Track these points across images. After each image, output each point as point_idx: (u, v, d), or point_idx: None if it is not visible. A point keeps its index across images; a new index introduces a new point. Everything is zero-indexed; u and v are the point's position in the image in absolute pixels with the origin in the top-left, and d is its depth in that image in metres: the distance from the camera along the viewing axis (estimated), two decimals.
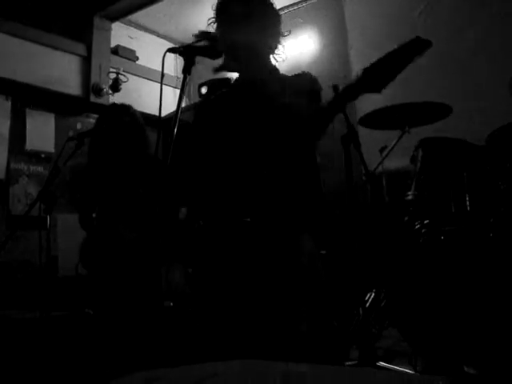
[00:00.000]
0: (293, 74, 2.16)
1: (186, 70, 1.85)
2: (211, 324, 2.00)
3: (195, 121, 2.23)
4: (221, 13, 2.13)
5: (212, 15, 2.16)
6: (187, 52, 1.88)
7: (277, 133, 1.92)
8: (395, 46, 1.77)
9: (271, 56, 2.17)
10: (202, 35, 1.97)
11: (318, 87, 2.11)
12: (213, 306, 2.01)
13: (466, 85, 4.48)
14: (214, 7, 2.15)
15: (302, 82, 2.07)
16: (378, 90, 1.80)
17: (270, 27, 2.12)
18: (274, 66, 2.19)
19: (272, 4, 2.16)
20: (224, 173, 2.02)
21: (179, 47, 1.88)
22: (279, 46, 2.17)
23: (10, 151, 4.94)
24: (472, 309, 2.56)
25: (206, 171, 2.11)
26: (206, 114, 2.22)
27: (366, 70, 1.79)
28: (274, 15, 2.16)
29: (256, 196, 1.92)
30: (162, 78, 1.80)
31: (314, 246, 2.03)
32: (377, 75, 1.77)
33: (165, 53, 1.84)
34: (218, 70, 2.07)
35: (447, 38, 4.69)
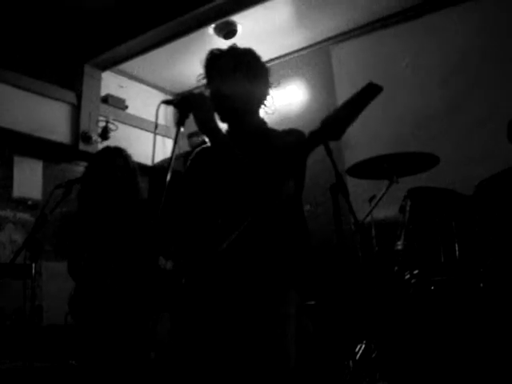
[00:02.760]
0: (282, 128, 2.18)
1: (180, 123, 1.86)
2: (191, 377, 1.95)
3: (186, 173, 2.23)
4: (210, 68, 2.16)
5: (200, 67, 2.19)
6: (181, 104, 1.89)
7: (264, 187, 1.93)
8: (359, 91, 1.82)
9: (260, 108, 2.19)
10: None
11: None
12: (193, 359, 1.97)
13: (453, 134, 4.55)
14: (204, 63, 2.18)
15: (291, 139, 2.09)
16: (336, 138, 1.85)
17: (259, 80, 2.16)
18: (263, 119, 2.21)
19: (259, 57, 2.21)
20: (210, 224, 2.01)
21: (173, 100, 1.90)
22: (268, 98, 2.20)
23: None
24: (464, 360, 2.53)
25: (194, 221, 2.09)
26: (196, 165, 2.21)
27: (323, 122, 1.84)
28: (261, 67, 2.20)
29: (242, 248, 1.91)
30: (155, 128, 1.81)
31: (300, 302, 2.02)
32: (334, 125, 1.83)
33: (159, 104, 1.85)
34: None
35: (434, 88, 4.80)
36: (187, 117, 1.87)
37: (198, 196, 2.10)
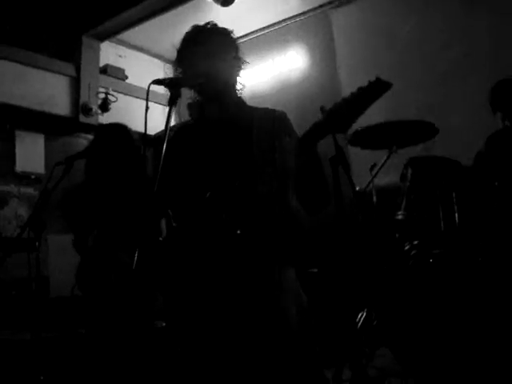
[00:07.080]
0: (261, 106, 2.17)
1: (172, 102, 1.85)
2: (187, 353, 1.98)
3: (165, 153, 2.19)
4: (193, 43, 2.13)
5: None
6: (173, 84, 1.88)
7: (252, 161, 1.94)
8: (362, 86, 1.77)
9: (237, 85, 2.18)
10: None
11: (288, 123, 2.13)
12: (189, 341, 1.99)
13: (453, 103, 4.51)
14: (185, 37, 2.16)
15: (268, 120, 2.08)
16: (342, 130, 1.83)
17: (238, 57, 2.15)
18: (240, 97, 2.19)
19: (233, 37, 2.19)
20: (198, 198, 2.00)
21: (165, 79, 1.89)
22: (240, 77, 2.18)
23: (0, 173, 4.93)
24: (462, 330, 2.56)
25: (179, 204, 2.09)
26: (176, 143, 2.16)
27: (328, 114, 1.81)
28: (238, 46, 2.18)
29: (234, 226, 1.91)
30: (146, 110, 1.79)
31: (295, 278, 2.02)
32: (340, 117, 1.79)
33: (149, 84, 1.84)
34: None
35: (435, 54, 4.73)
36: (179, 96, 1.87)
37: (180, 172, 2.09)
